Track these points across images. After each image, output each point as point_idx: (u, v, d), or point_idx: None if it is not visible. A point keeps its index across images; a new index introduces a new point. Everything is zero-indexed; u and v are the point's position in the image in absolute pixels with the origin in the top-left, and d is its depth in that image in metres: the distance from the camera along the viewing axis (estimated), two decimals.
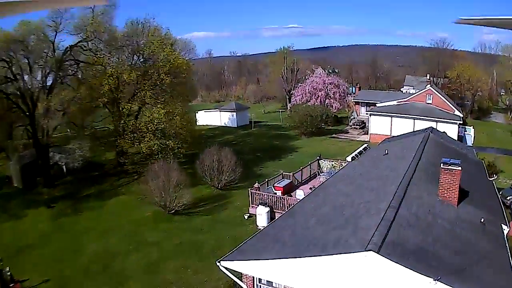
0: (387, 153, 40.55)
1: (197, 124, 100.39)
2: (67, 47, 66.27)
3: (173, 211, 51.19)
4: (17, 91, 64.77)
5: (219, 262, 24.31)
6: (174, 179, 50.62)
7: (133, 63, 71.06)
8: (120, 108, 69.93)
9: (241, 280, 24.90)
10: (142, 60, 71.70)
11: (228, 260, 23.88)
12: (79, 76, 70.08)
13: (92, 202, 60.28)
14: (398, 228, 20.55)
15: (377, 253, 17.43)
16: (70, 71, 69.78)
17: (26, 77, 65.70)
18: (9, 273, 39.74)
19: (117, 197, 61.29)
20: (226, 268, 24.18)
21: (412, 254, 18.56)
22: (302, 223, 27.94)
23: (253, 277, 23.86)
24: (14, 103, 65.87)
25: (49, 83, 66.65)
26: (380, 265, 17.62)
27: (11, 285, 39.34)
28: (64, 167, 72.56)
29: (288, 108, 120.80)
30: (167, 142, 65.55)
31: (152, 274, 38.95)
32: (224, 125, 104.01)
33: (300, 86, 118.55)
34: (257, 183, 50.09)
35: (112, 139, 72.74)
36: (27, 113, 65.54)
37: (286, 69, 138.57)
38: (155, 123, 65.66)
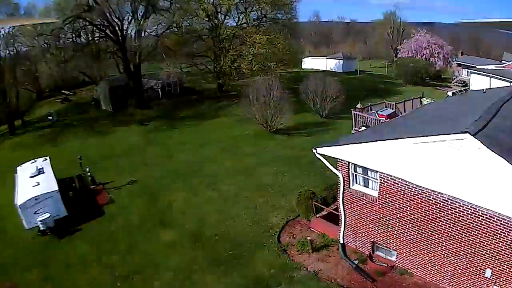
0: (485, 92, 37.88)
1: (302, 67, 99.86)
2: None
3: (274, 130, 50.12)
4: (104, 19, 64.24)
5: (314, 149, 23.50)
6: (276, 97, 49.11)
7: None
8: (218, 31, 68.85)
9: (337, 169, 23.42)
10: None
11: (324, 147, 23.45)
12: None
13: (189, 121, 60.02)
14: (494, 128, 18.77)
15: (473, 136, 16.81)
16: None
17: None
18: (89, 174, 40.43)
19: (215, 118, 60.59)
20: (321, 155, 23.35)
21: (507, 151, 16.87)
22: (401, 123, 27.84)
23: (348, 164, 22.74)
24: (100, 30, 66.34)
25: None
26: (474, 152, 17.05)
27: (93, 186, 39.93)
28: (159, 91, 72.68)
29: (394, 61, 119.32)
30: (269, 64, 63.62)
31: (248, 176, 38.07)
32: (330, 69, 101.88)
33: (405, 42, 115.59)
34: (359, 104, 48.52)
35: (210, 70, 72.13)
36: (115, 38, 65.53)
37: (392, 27, 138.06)
38: (256, 48, 63.70)
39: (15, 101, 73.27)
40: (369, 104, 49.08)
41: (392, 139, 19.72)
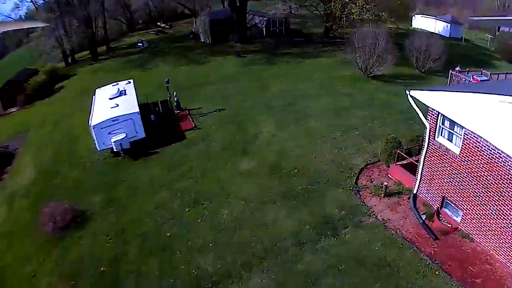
0: None
1: (411, 26, 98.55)
2: None
3: (371, 75, 49.65)
4: None
5: (408, 91, 23.02)
6: (381, 46, 48.34)
7: None
8: None
9: (426, 118, 23.01)
10: None
11: (418, 89, 23.01)
12: None
13: (289, 58, 60.01)
14: None
15: None
16: None
17: None
18: (176, 99, 41.29)
19: (317, 59, 59.98)
20: (413, 98, 22.94)
21: None
22: (496, 84, 28.36)
23: (438, 114, 22.29)
24: None
25: None
26: None
27: (178, 111, 41.10)
28: (264, 29, 72.15)
29: (495, 34, 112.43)
30: (380, 13, 61.64)
31: (338, 116, 38.06)
32: (437, 32, 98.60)
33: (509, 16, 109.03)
34: (459, 67, 49.38)
35: (319, 14, 70.94)
36: None
37: (499, 1, 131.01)
38: None
39: (102, 30, 76.24)
40: (467, 69, 50.19)
41: (485, 93, 19.06)
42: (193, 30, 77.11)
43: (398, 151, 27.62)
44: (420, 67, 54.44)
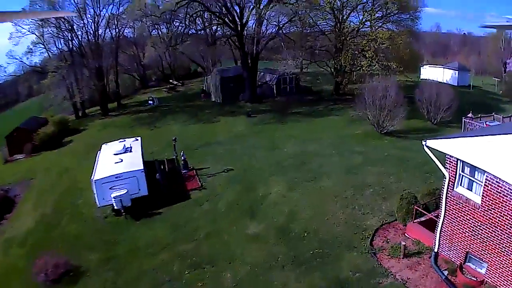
0: None
1: (419, 77, 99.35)
2: None
3: (385, 131, 48.97)
4: (222, 5, 64.32)
5: (424, 141, 22.20)
6: (392, 100, 47.92)
7: None
8: (341, 26, 67.95)
9: (445, 167, 21.74)
10: None
11: (434, 139, 22.41)
12: None
13: (299, 117, 59.73)
14: None
15: None
16: None
17: None
18: (183, 158, 40.62)
19: (328, 117, 59.90)
20: (429, 148, 22.02)
21: None
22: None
23: (457, 162, 21.08)
24: (219, 17, 66.75)
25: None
26: None
27: (185, 171, 40.19)
28: (274, 87, 71.83)
29: (502, 76, 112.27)
30: (389, 63, 61.80)
31: (352, 174, 36.52)
32: (445, 82, 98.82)
33: None
34: (471, 113, 49.32)
35: (329, 70, 71.25)
36: (234, 26, 65.53)
37: (503, 40, 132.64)
38: (377, 42, 62.42)
39: (114, 84, 77.15)
40: (480, 115, 50.01)
41: (506, 134, 18.42)
42: (204, 88, 77.60)
43: (415, 207, 26.04)
44: (432, 119, 53.91)
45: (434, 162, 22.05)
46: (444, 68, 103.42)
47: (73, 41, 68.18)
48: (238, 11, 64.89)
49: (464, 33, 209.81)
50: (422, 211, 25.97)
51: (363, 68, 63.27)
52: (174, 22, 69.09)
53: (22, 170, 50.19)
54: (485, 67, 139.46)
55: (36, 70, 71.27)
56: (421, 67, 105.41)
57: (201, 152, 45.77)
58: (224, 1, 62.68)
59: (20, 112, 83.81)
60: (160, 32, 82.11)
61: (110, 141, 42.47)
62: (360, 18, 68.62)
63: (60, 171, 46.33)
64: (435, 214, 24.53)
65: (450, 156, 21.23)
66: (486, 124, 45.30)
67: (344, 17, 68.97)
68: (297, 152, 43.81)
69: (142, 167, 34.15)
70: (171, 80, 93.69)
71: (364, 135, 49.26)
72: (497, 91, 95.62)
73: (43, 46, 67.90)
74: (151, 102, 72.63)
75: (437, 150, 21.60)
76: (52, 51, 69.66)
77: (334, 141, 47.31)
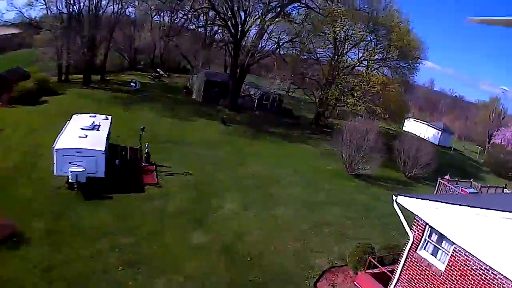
0: None
1: (402, 128, 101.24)
2: None
3: (355, 172, 48.17)
4: (230, 7, 63.49)
5: (395, 195, 20.76)
6: (370, 141, 47.33)
7: (364, 25, 66.25)
8: (338, 59, 67.35)
9: (410, 228, 20.70)
10: (373, 27, 67.08)
11: (407, 196, 20.94)
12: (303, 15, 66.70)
13: (274, 138, 58.78)
14: None
15: None
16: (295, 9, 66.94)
17: None
18: (147, 150, 39.08)
19: (302, 145, 59.21)
20: (398, 205, 20.67)
21: None
22: (489, 199, 26.05)
23: (425, 226, 20.03)
24: (222, 18, 65.84)
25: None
26: None
27: (145, 164, 38.77)
28: (256, 101, 71.14)
29: (486, 147, 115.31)
30: (375, 107, 61.46)
31: (312, 210, 35.73)
32: (426, 138, 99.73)
33: (502, 130, 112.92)
34: (448, 176, 48.26)
35: (314, 99, 71.05)
36: (234, 31, 64.67)
37: (494, 111, 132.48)
38: (369, 85, 61.88)
39: (103, 58, 75.44)
40: (457, 179, 49.79)
41: (485, 209, 17.06)
42: (188, 85, 76.62)
43: (370, 258, 24.94)
44: (407, 172, 53.77)
45: (401, 221, 20.75)
46: (428, 125, 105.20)
47: (75, 6, 66.23)
48: (242, 17, 64.01)
49: (456, 96, 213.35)
50: (376, 263, 24.75)
51: (348, 105, 63.00)
52: (178, 13, 68.23)
53: None
54: (469, 133, 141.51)
55: (32, 24, 69.78)
56: (406, 119, 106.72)
57: (166, 148, 44.17)
58: (231, 3, 61.58)
59: (7, 60, 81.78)
60: (161, 19, 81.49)
61: (82, 113, 40.76)
62: (359, 55, 68.54)
63: (28, 129, 44.70)
64: (390, 269, 23.34)
65: (420, 218, 20.09)
66: (462, 190, 45.01)
67: (345, 51, 68.65)
68: (261, 173, 42.84)
69: (104, 149, 32.80)
70: (158, 69, 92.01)
71: (334, 172, 48.59)
72: (478, 159, 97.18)
73: (44, 2, 65.99)
74: (133, 84, 70.80)
75: (406, 208, 20.42)
76: (51, 10, 67.63)
77: (302, 171, 46.52)
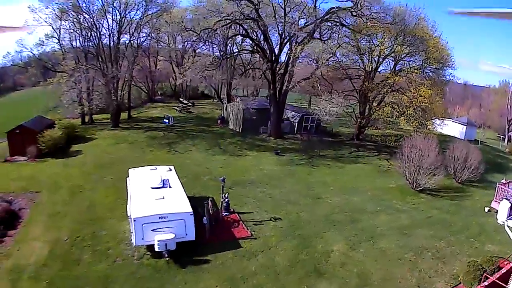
0: None
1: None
2: (333, 8, 63.58)
3: (420, 188, 49.48)
4: (263, 33, 64.22)
5: (506, 220, 24.14)
6: (430, 157, 48.79)
7: (399, 39, 66.48)
8: (373, 76, 68.98)
9: None
10: (408, 39, 66.61)
11: None
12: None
13: (328, 161, 59.69)
14: None
15: None
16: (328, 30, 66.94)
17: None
18: (226, 200, 38.25)
19: (356, 164, 60.10)
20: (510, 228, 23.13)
21: None
22: None
23: None
24: (256, 44, 66.54)
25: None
26: None
27: (225, 214, 37.97)
28: (296, 124, 72.44)
29: (507, 135, 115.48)
30: (427, 122, 63.34)
31: (404, 236, 36.95)
32: (452, 135, 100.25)
33: None
34: (504, 179, 49.09)
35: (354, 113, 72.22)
36: (269, 56, 65.15)
37: (510, 98, 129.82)
38: (418, 100, 62.32)
39: (126, 94, 74.82)
40: (509, 181, 49.22)
41: None
42: (222, 115, 77.10)
43: (485, 274, 27.51)
44: (457, 177, 54.72)
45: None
46: (453, 121, 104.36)
47: (92, 41, 65.63)
48: (278, 41, 65.16)
49: (465, 83, 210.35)
50: (492, 278, 26.95)
51: (400, 122, 64.79)
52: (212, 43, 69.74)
53: (24, 176, 45.16)
54: (485, 121, 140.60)
55: (47, 67, 66.69)
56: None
57: (236, 192, 42.77)
58: (264, 29, 62.18)
59: (17, 103, 79.75)
60: (197, 50, 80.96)
61: (134, 167, 39.50)
62: (394, 68, 69.39)
63: (71, 188, 41.81)
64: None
65: None
66: None
67: (378, 64, 69.64)
68: (341, 205, 43.20)
69: (191, 210, 31.19)
70: (181, 99, 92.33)
71: (400, 190, 49.70)
72: (501, 147, 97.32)
73: (57, 41, 65.34)
74: (167, 121, 70.70)
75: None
76: (66, 48, 67.24)
77: (373, 195, 47.66)
